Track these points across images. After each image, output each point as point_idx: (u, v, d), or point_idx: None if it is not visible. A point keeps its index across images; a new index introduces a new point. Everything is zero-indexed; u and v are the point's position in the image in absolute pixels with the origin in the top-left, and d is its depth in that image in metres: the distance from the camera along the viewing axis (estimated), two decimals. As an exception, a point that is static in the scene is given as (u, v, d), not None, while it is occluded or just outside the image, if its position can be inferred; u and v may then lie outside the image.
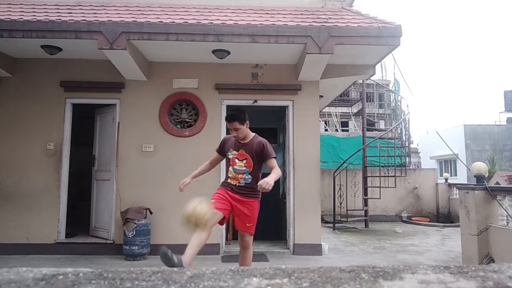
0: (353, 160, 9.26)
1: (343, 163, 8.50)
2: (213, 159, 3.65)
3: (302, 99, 5.67)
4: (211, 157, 3.68)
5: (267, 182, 2.96)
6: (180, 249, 5.29)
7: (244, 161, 3.37)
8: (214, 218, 3.09)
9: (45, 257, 5.13)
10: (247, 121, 3.40)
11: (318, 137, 5.82)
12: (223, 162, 3.73)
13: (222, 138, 3.73)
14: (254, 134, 3.49)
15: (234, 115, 3.33)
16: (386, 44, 4.78)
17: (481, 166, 4.93)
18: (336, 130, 19.27)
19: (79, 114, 6.01)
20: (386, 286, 0.58)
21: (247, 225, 3.35)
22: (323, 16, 5.04)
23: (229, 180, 3.40)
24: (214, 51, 5.14)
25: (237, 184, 3.35)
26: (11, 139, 5.45)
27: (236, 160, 3.38)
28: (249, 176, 3.35)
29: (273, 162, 3.32)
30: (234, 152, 3.42)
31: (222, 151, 3.55)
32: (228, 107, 5.69)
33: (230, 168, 3.41)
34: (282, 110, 5.93)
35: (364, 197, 8.91)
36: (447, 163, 19.36)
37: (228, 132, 5.73)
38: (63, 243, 5.35)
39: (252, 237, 3.41)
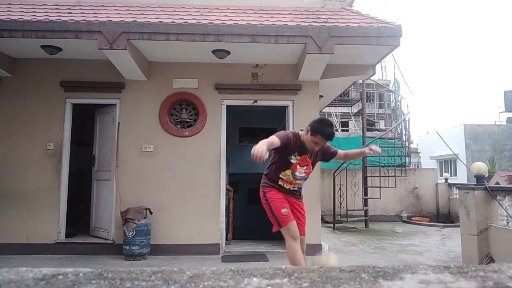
0: (353, 160, 9.26)
1: (343, 163, 8.50)
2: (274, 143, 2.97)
3: (302, 99, 5.67)
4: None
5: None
6: (180, 249, 5.32)
7: (305, 167, 3.24)
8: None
9: (45, 257, 5.13)
10: None
11: (318, 137, 5.81)
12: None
13: (286, 132, 3.17)
14: None
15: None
16: (386, 44, 4.78)
17: (481, 166, 4.93)
18: (336, 130, 19.26)
19: (79, 114, 6.01)
20: (386, 286, 0.58)
21: (304, 226, 3.29)
22: (323, 16, 5.04)
23: (280, 183, 3.22)
24: (214, 51, 5.14)
25: (291, 188, 3.26)
26: (11, 139, 5.45)
27: (298, 166, 3.20)
28: (305, 182, 3.32)
29: (337, 150, 3.49)
30: (298, 157, 3.19)
31: (284, 149, 3.08)
32: (228, 107, 5.70)
33: (288, 172, 3.19)
34: (282, 110, 5.93)
35: (364, 197, 8.91)
36: (447, 163, 19.36)
37: (228, 131, 5.80)
38: (63, 243, 5.35)
39: None
